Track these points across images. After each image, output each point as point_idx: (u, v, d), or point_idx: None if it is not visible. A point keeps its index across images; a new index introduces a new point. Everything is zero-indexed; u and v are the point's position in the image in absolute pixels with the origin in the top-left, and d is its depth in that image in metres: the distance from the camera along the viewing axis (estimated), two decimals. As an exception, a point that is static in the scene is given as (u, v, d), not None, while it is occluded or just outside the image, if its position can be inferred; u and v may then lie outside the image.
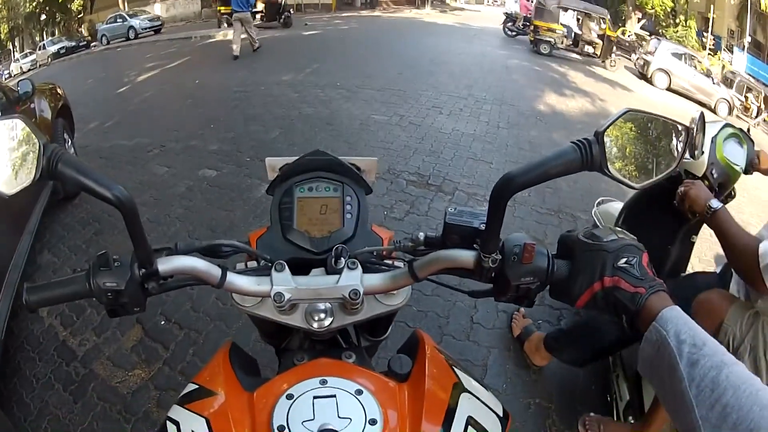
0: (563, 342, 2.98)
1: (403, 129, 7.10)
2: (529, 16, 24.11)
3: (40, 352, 3.26)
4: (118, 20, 28.91)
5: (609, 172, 1.04)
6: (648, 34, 42.65)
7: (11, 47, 31.04)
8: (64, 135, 5.47)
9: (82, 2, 39.17)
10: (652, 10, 42.17)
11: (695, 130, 2.58)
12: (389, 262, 1.17)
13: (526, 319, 3.36)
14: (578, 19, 23.81)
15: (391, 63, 13.16)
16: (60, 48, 28.54)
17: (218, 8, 23.04)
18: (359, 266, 1.04)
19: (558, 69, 15.34)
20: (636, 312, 0.90)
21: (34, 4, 31.72)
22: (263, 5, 23.04)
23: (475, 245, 0.99)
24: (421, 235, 1.11)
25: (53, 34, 31.56)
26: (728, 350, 1.76)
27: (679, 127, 1.37)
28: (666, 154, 1.40)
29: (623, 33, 39.07)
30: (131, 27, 27.89)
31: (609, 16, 25.07)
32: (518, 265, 0.97)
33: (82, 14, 37.94)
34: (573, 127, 8.36)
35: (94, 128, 8.02)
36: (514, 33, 23.92)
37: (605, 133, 1.03)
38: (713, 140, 2.72)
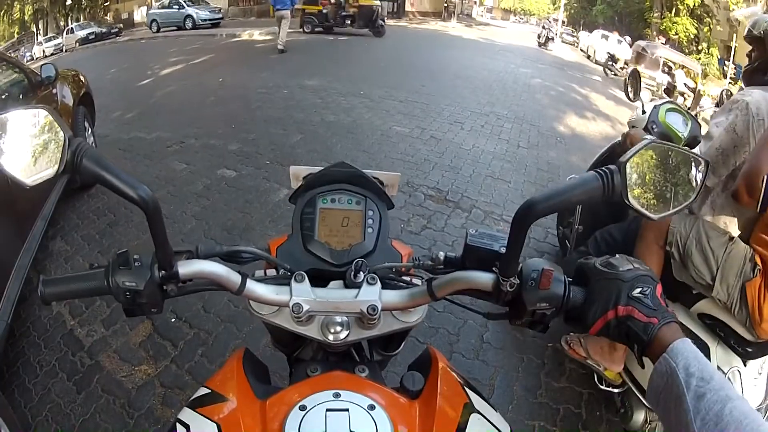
0: None
1: (424, 142, 7.09)
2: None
3: (47, 339, 3.25)
4: (173, 6, 28.58)
5: (629, 202, 1.02)
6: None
7: (35, 30, 31.17)
8: (85, 123, 5.50)
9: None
10: (676, 36, 42.38)
11: (627, 79, 3.75)
12: (407, 278, 1.16)
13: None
14: (669, 68, 24.59)
15: (414, 74, 13.21)
16: (89, 33, 28.65)
17: (302, 6, 22.72)
18: (378, 282, 1.05)
19: (580, 91, 15.32)
20: (648, 342, 0.91)
21: (60, -13, 32.10)
22: (355, 10, 22.63)
23: (494, 268, 0.98)
24: (441, 255, 1.14)
25: (77, 20, 31.61)
26: (678, 247, 2.59)
27: (700, 160, 1.37)
28: (684, 185, 1.40)
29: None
30: (189, 16, 27.39)
31: (700, 70, 25.95)
32: (535, 290, 0.97)
33: (108, 1, 38.31)
34: (592, 150, 8.33)
35: (115, 119, 8.11)
36: (613, 73, 24.10)
37: (627, 163, 1.04)
38: (656, 107, 3.31)
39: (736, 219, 2.61)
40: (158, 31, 28.15)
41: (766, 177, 2.14)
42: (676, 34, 42.60)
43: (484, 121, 8.84)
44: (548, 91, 14.14)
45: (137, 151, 6.49)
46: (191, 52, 16.43)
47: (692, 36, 38.15)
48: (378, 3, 23.39)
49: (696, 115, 3.41)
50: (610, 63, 24.60)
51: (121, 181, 0.85)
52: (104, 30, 29.41)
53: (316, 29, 22.42)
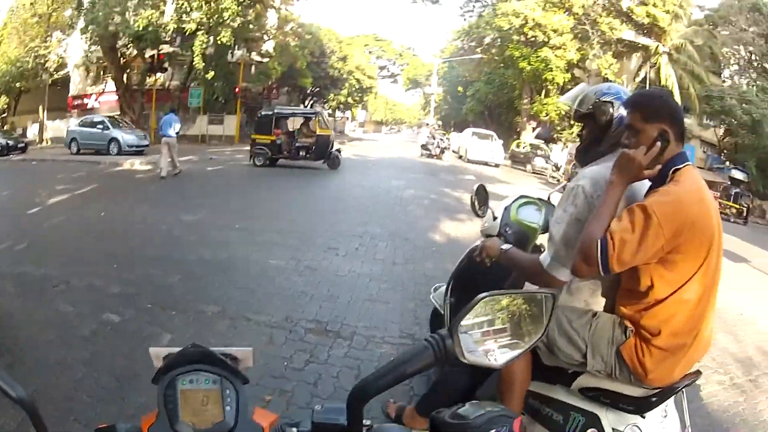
0: (428, 402, 3.44)
1: (299, 274, 7.18)
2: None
3: None
4: (97, 126, 27.20)
5: (468, 360, 1.13)
6: (543, 141, 44.64)
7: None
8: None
9: (6, 102, 38.88)
10: (547, 117, 44.36)
11: (473, 196, 3.74)
12: None
13: (397, 403, 3.80)
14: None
15: (288, 202, 13.54)
16: None
17: (252, 136, 22.48)
18: None
19: (453, 194, 16.02)
20: None
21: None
22: (311, 141, 22.11)
23: None
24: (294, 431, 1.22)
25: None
26: (545, 335, 2.10)
27: (539, 297, 1.58)
28: (531, 322, 1.59)
29: (518, 146, 40.81)
30: (114, 139, 25.96)
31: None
32: None
33: (6, 114, 37.53)
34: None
35: (5, 249, 8.15)
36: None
37: (460, 324, 1.20)
38: (507, 208, 3.51)
39: (597, 292, 2.72)
40: (78, 152, 26.72)
41: (599, 242, 2.28)
42: (547, 115, 44.64)
43: (358, 243, 9.06)
44: (421, 201, 14.71)
45: (27, 288, 6.42)
46: (77, 181, 16.44)
47: (563, 112, 39.87)
48: (332, 132, 23.40)
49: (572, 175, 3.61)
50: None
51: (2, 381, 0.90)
52: (10, 142, 28.63)
53: (268, 161, 21.87)
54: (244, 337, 5.12)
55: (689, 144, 49.72)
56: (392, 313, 6.06)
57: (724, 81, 52.38)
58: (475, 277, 3.37)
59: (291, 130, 23.88)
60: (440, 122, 70.08)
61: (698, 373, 2.56)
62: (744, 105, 41.32)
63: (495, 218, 3.53)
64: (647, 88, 44.63)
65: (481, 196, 3.76)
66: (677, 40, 44.34)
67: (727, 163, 49.32)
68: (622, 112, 2.69)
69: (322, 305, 6.09)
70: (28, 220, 10.58)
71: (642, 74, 47.07)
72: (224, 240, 8.83)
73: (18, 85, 40.96)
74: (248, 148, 23.27)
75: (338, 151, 22.89)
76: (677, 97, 42.68)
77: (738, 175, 45.17)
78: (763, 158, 44.31)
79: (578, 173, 2.72)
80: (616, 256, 2.24)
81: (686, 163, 2.45)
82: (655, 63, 45.13)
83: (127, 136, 26.25)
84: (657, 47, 44.68)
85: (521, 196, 3.66)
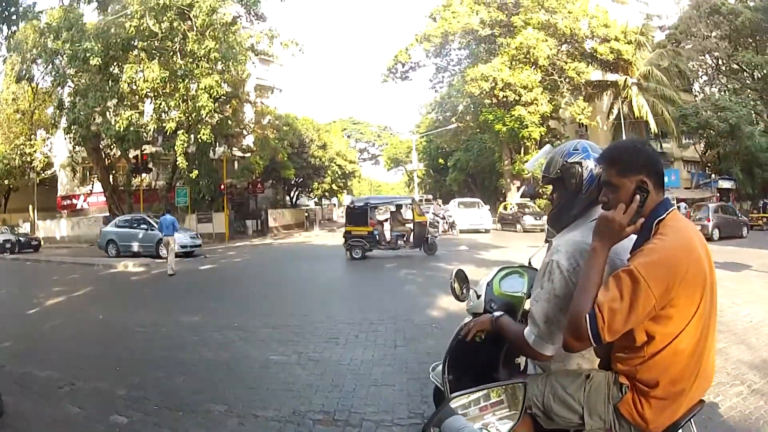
0: None
1: (302, 367, 7.18)
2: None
3: None
4: (140, 226, 28.00)
5: None
6: (529, 198, 44.90)
7: None
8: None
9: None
10: (529, 175, 44.63)
11: (452, 282, 3.78)
12: None
13: None
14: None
15: (284, 296, 13.65)
16: (5, 240, 30.14)
17: (347, 229, 21.93)
18: None
19: (447, 268, 15.79)
20: None
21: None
22: (408, 229, 22.02)
23: None
24: None
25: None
26: (537, 407, 2.64)
27: (517, 386, 1.67)
28: (511, 407, 1.68)
29: (505, 207, 41.10)
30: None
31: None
32: None
33: None
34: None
35: (8, 348, 8.34)
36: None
37: (432, 425, 1.29)
38: (489, 284, 3.46)
39: (588, 355, 2.73)
40: (117, 255, 26.14)
41: (587, 316, 2.28)
42: (529, 172, 44.88)
43: (358, 330, 9.07)
44: (416, 279, 14.86)
45: (33, 389, 6.43)
46: (72, 282, 16.81)
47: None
48: (428, 219, 23.09)
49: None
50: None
51: None
52: (22, 239, 28.58)
53: (367, 253, 21.48)
54: None
55: (672, 168, 50.36)
56: (399, 395, 6.06)
57: (696, 95, 53.23)
58: (468, 352, 3.40)
59: (382, 219, 23.96)
60: (429, 196, 70.45)
61: (701, 402, 2.54)
62: (719, 113, 41.88)
63: (479, 296, 3.52)
64: (622, 124, 45.44)
65: (461, 278, 3.83)
66: (644, 68, 45.02)
67: (713, 176, 49.94)
68: (592, 169, 2.74)
69: (328, 395, 6.08)
70: (28, 320, 10.89)
71: (615, 111, 47.68)
72: (224, 339, 8.83)
73: (6, 182, 41.39)
74: (239, 244, 23.47)
75: (434, 236, 22.91)
76: (652, 125, 43.50)
77: (725, 184, 45.79)
78: (746, 160, 44.82)
79: (553, 245, 2.72)
80: (606, 327, 2.25)
81: (670, 210, 2.46)
82: (626, 96, 45.93)
83: (180, 237, 23.33)
84: (626, 80, 45.52)
85: (501, 269, 3.67)
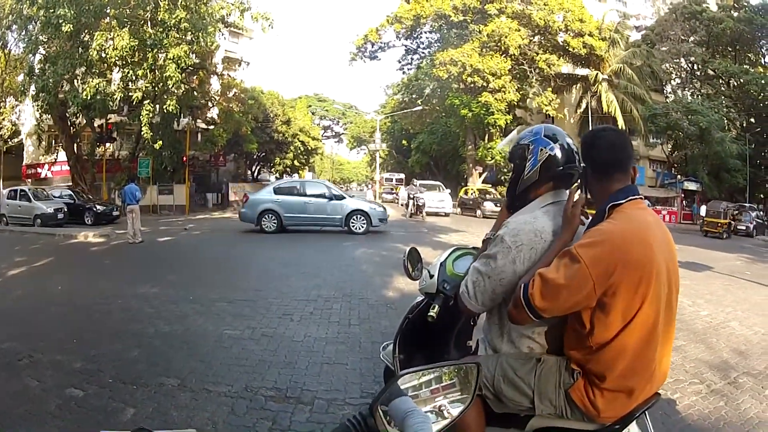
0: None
1: (256, 342, 7.20)
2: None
3: None
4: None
5: None
6: (491, 185, 45.05)
7: None
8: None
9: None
10: (492, 161, 44.81)
11: (405, 260, 3.68)
12: None
13: None
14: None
15: (241, 271, 13.68)
16: None
17: None
18: None
19: (404, 249, 16.04)
20: None
21: None
22: None
23: None
24: None
25: None
26: (488, 389, 2.68)
27: (470, 366, 1.72)
28: (459, 390, 1.74)
29: (466, 192, 41.14)
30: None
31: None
32: None
33: None
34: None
35: None
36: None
37: (379, 403, 1.30)
38: (442, 264, 3.43)
39: (539, 339, 2.69)
40: (281, 229, 23.43)
41: (523, 284, 2.39)
42: (492, 158, 45.11)
43: (313, 307, 9.14)
44: (372, 259, 15.01)
45: None
46: (34, 253, 16.66)
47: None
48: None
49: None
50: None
51: None
52: None
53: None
54: (205, 408, 5.12)
55: (638, 165, 50.68)
56: (351, 374, 6.13)
57: (667, 97, 53.50)
58: (419, 332, 3.45)
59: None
60: (401, 175, 70.38)
61: (657, 395, 2.53)
62: (690, 116, 42.05)
63: (431, 276, 3.49)
64: (589, 118, 45.80)
65: (413, 258, 3.78)
66: (616, 65, 45.16)
67: (679, 176, 50.48)
68: (537, 152, 2.74)
69: (281, 372, 6.13)
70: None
71: (583, 104, 47.79)
72: (180, 312, 8.82)
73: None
74: (200, 217, 23.26)
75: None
76: (620, 122, 43.78)
77: (691, 185, 46.40)
78: (715, 165, 45.42)
79: (504, 221, 2.75)
80: (537, 294, 2.32)
81: (629, 198, 2.46)
82: (596, 91, 45.98)
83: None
84: (596, 75, 45.52)
85: (455, 249, 3.67)
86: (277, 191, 23.41)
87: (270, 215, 22.60)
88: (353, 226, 22.25)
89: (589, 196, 2.65)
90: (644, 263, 2.30)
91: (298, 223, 22.85)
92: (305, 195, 23.22)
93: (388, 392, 1.46)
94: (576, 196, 2.59)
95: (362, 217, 22.34)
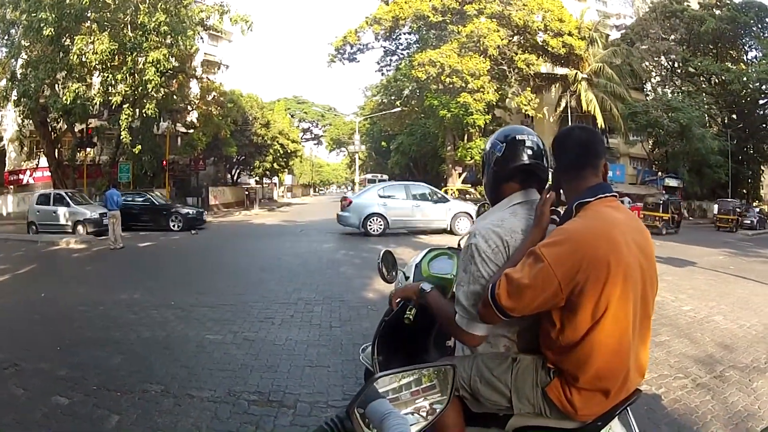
0: None
1: (238, 347, 7.26)
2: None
3: None
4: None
5: None
6: (471, 185, 45.07)
7: None
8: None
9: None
10: (472, 161, 44.83)
11: (380, 263, 3.65)
12: None
13: None
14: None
15: (222, 275, 13.66)
16: None
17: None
18: None
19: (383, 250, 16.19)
20: None
21: None
22: None
23: None
24: None
25: None
26: (465, 389, 2.60)
27: (440, 369, 1.77)
28: (436, 392, 1.78)
29: (446, 193, 41.13)
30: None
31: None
32: None
33: None
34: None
35: None
36: None
37: (356, 406, 1.33)
38: (417, 265, 3.54)
39: (515, 339, 2.65)
40: None
41: (491, 284, 2.36)
42: (472, 158, 45.18)
43: (294, 311, 9.20)
44: (352, 261, 15.12)
45: None
46: (16, 260, 16.56)
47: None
48: None
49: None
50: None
51: None
52: None
53: None
54: (189, 414, 5.16)
55: (618, 163, 51.07)
56: (333, 376, 6.18)
57: (647, 95, 53.79)
58: (398, 333, 3.38)
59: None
60: (386, 176, 70.41)
61: (638, 392, 2.48)
62: (670, 114, 42.27)
63: (407, 278, 3.55)
64: (569, 117, 45.99)
65: (388, 261, 3.74)
66: (595, 64, 45.32)
67: (660, 173, 50.79)
68: (488, 152, 2.77)
69: (263, 376, 6.17)
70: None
71: (563, 104, 47.94)
72: (161, 318, 8.85)
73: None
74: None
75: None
76: (600, 120, 44.00)
77: (672, 182, 46.70)
78: (696, 161, 45.74)
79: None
80: (503, 293, 2.28)
81: (599, 196, 2.44)
82: (575, 90, 46.10)
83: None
84: (576, 75, 45.67)
85: (430, 250, 3.72)
86: (382, 195, 23.51)
87: (376, 218, 22.79)
88: (457, 227, 22.64)
89: (562, 196, 2.63)
90: (611, 261, 2.26)
91: (404, 226, 23.36)
92: (411, 198, 23.59)
93: (364, 395, 1.48)
94: (547, 195, 2.55)
95: (466, 218, 22.63)
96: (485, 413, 2.67)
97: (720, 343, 7.67)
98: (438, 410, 1.74)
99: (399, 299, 3.13)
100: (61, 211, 24.90)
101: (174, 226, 26.96)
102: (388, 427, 1.38)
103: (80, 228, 24.07)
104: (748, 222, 37.22)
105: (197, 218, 27.67)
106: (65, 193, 26.45)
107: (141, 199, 28.80)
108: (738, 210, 37.17)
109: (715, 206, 38.57)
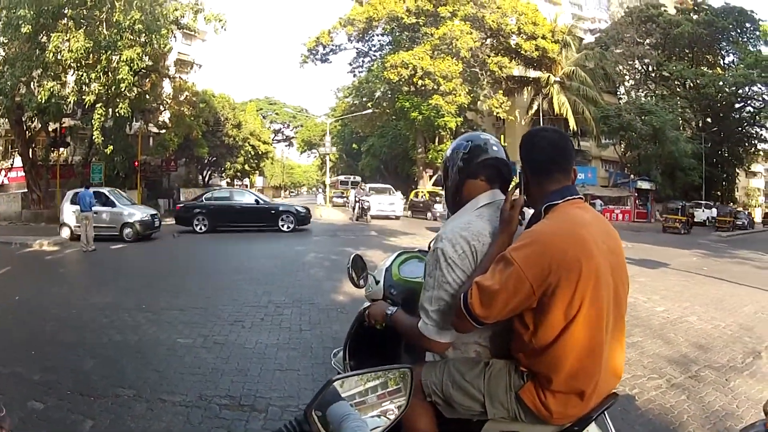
0: None
1: (208, 350, 7.31)
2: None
3: None
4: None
5: None
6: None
7: None
8: None
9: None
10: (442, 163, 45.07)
11: (350, 268, 3.64)
12: None
13: None
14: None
15: (193, 278, 13.72)
16: None
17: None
18: None
19: (353, 253, 16.28)
20: None
21: None
22: None
23: None
24: None
25: None
26: (437, 395, 2.57)
27: (397, 372, 1.86)
28: (395, 394, 1.87)
29: (416, 195, 41.16)
30: None
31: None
32: None
33: None
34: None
35: None
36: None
37: (313, 408, 1.36)
38: (387, 269, 3.54)
39: (486, 344, 2.63)
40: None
41: (463, 293, 2.34)
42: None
43: (264, 314, 9.28)
44: (323, 263, 15.26)
45: None
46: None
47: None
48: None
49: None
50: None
51: None
52: None
53: None
54: (161, 418, 5.20)
55: (590, 166, 51.45)
56: (304, 380, 6.25)
57: (620, 98, 54.22)
58: (369, 337, 3.38)
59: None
60: (358, 178, 70.27)
61: (614, 395, 2.48)
62: (644, 117, 43.14)
63: (377, 282, 3.52)
64: (541, 120, 46.30)
65: (358, 265, 3.70)
66: (568, 67, 45.60)
67: (632, 176, 51.24)
68: (463, 150, 2.73)
69: (234, 380, 6.22)
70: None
71: (535, 106, 48.19)
72: (133, 321, 8.87)
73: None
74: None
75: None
76: (572, 123, 44.31)
77: (644, 185, 47.12)
78: (669, 164, 46.23)
79: (438, 232, 2.66)
80: (476, 303, 2.27)
81: (567, 198, 2.44)
82: (548, 93, 46.36)
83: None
84: (548, 78, 45.91)
85: (400, 254, 3.70)
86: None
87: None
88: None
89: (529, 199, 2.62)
90: (581, 261, 2.26)
91: None
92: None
93: (322, 397, 1.49)
94: (514, 198, 2.54)
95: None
96: (459, 419, 2.65)
97: (694, 343, 7.84)
98: (399, 414, 1.77)
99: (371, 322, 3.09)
100: (104, 212, 22.87)
101: (284, 227, 25.99)
102: (345, 428, 1.42)
103: (128, 231, 22.80)
104: (740, 223, 40.20)
105: (308, 218, 26.97)
106: (108, 191, 24.76)
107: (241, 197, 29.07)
108: (689, 210, 38.26)
109: (661, 207, 40.13)
